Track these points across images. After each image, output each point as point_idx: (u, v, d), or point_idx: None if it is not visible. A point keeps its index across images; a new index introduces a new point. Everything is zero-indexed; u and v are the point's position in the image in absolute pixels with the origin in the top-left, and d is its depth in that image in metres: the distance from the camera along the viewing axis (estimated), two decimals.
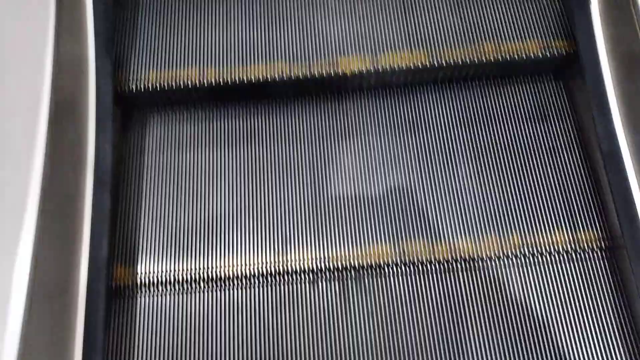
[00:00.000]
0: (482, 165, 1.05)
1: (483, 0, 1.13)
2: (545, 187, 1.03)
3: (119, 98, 1.08)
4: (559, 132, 1.08)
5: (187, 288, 0.97)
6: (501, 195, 1.03)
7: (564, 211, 1.01)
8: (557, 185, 1.04)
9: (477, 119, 1.10)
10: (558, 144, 1.07)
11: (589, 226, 1.00)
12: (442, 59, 1.07)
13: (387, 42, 1.09)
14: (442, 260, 0.98)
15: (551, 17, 1.11)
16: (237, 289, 0.96)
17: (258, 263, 0.98)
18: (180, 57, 1.10)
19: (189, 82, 1.08)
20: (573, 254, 0.98)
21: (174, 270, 0.98)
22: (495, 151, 1.07)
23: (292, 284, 0.97)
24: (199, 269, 0.98)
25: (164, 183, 1.07)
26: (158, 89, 1.07)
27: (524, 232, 1.00)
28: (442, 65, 1.07)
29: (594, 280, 0.97)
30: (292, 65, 1.08)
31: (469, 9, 1.12)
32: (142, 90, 1.08)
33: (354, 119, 1.11)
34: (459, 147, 1.07)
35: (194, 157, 1.09)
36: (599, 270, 0.97)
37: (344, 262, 0.97)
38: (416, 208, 1.02)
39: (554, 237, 0.99)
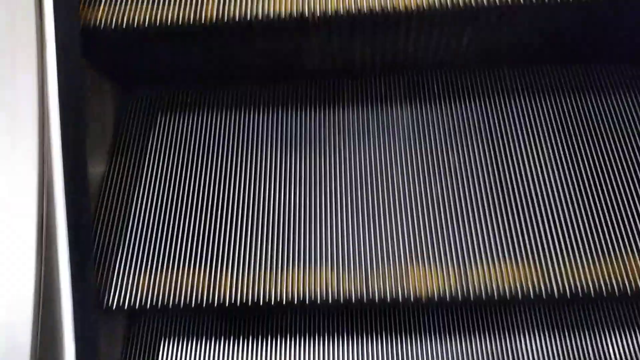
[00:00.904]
0: None
1: (623, 200, 0.79)
2: None
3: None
4: None
5: None
6: None
7: None
8: None
9: None
10: None
11: None
12: (563, 279, 0.72)
13: (480, 251, 0.76)
14: None
15: None
16: None
17: None
18: (178, 257, 0.79)
19: (193, 299, 0.76)
20: None
21: None
22: None
23: None
24: None
25: None
26: (149, 305, 0.76)
27: None
28: (564, 289, 0.72)
29: None
30: (340, 277, 0.76)
31: (605, 208, 0.77)
32: (128, 306, 0.77)
33: None
34: None
35: None
36: None
37: None
38: None
39: None
